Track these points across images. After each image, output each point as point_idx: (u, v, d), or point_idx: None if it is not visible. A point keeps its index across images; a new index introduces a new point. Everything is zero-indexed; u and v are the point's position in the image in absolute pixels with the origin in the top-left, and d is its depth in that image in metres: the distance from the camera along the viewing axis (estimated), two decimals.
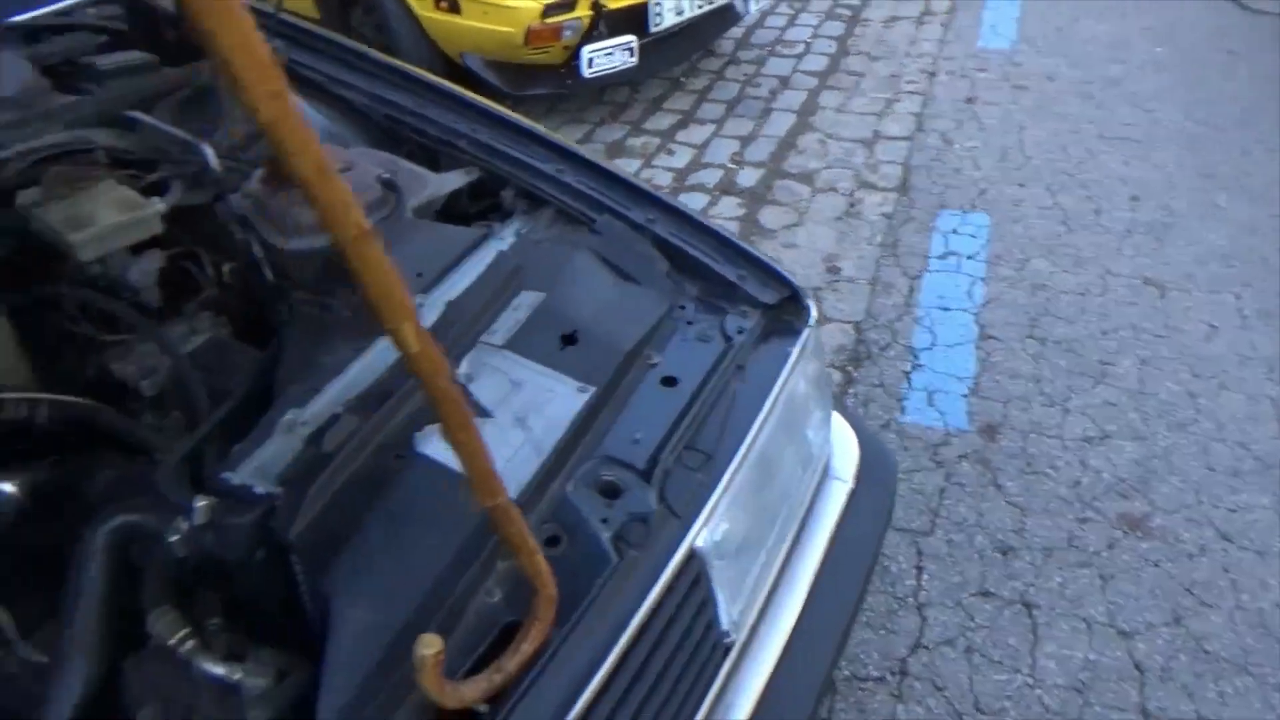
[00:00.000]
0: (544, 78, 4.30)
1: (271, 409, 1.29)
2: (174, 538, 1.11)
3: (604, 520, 1.18)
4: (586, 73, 4.21)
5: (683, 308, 1.52)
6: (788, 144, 4.43)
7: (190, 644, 1.07)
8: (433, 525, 1.13)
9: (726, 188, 4.08)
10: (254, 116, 0.59)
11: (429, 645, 0.93)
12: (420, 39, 4.30)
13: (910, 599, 2.28)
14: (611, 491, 1.22)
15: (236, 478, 1.13)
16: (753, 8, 4.88)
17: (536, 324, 1.40)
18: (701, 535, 1.21)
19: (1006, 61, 5.20)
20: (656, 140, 4.47)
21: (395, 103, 1.92)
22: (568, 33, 4.20)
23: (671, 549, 1.18)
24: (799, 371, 1.47)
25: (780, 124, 4.60)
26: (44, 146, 1.66)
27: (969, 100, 4.79)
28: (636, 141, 4.44)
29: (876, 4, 6.06)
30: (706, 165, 4.26)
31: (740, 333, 1.46)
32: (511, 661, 1.03)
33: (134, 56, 1.98)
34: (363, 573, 1.06)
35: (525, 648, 1.04)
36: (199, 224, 1.69)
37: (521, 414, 1.26)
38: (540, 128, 1.81)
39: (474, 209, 1.80)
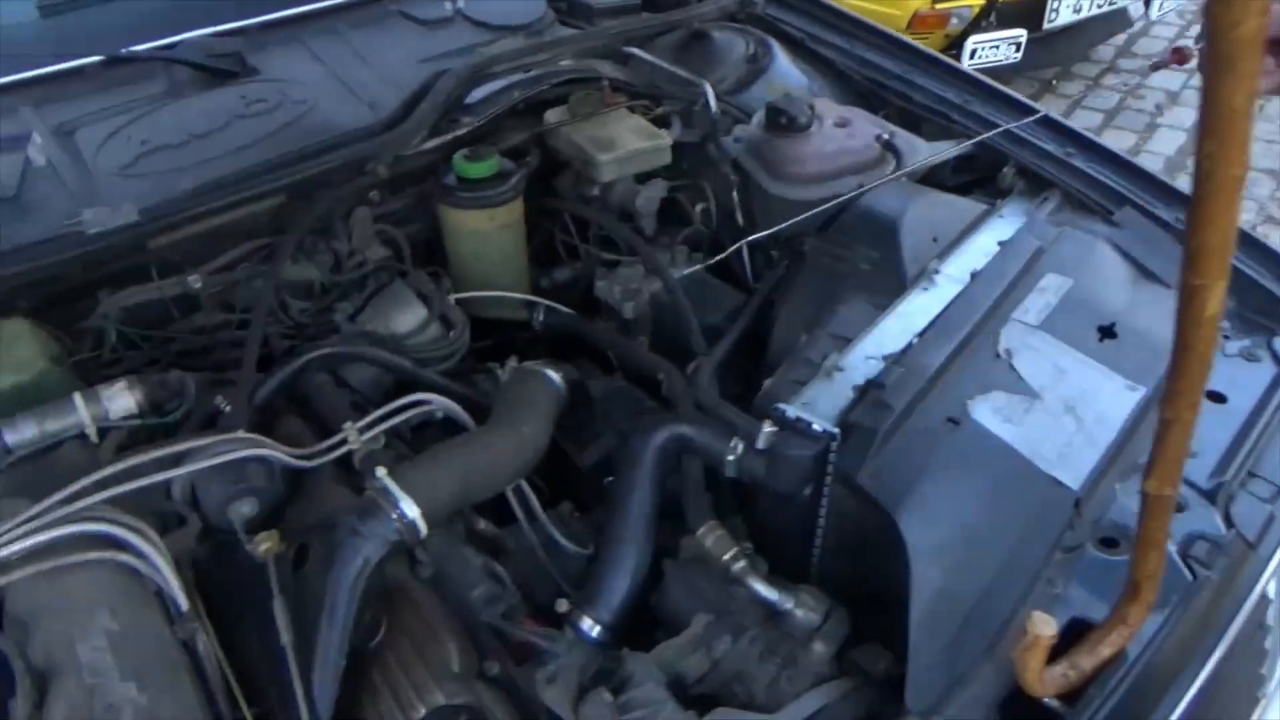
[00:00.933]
0: None
1: (801, 349, 1.29)
2: (730, 458, 1.13)
3: None
4: (966, 63, 4.01)
5: None
6: (1177, 165, 4.02)
7: (741, 563, 1.08)
8: (993, 497, 1.08)
9: None
10: (1232, 29, 0.54)
11: (1044, 626, 0.88)
12: None
13: None
14: None
15: (793, 411, 1.13)
16: (1154, 13, 4.46)
17: (1068, 310, 1.31)
18: (1275, 575, 1.09)
19: None
20: None
21: (879, 65, 1.88)
22: (954, 20, 4.03)
23: (1250, 582, 1.06)
24: None
25: (1168, 142, 4.20)
26: (561, 71, 1.76)
27: None
28: None
29: None
30: None
31: None
32: (1088, 661, 0.96)
33: None
34: (931, 532, 1.02)
35: (1104, 650, 0.96)
36: (686, 161, 1.74)
37: (1070, 403, 1.18)
38: (1042, 106, 1.71)
39: (954, 181, 1.73)
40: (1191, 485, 1.13)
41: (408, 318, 1.41)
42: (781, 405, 1.13)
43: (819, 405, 1.15)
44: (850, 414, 1.13)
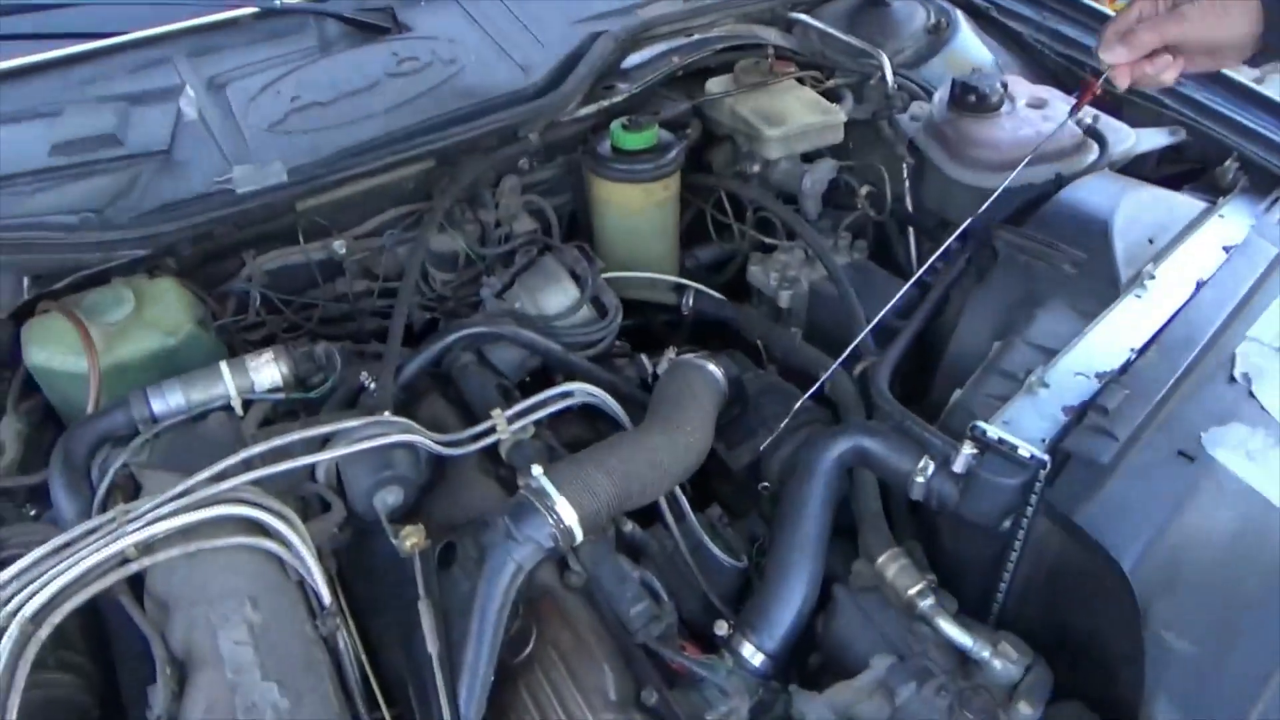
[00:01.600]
0: None
1: (996, 359, 1.15)
2: (919, 479, 1.01)
3: None
4: None
5: None
6: None
7: (929, 600, 0.96)
8: (1235, 550, 0.92)
9: None
10: None
11: None
12: None
13: None
14: None
15: (995, 431, 0.99)
16: None
17: None
18: None
19: None
20: None
21: (1073, 40, 1.69)
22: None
23: None
24: None
25: None
26: (723, 37, 1.64)
27: None
28: None
29: None
30: None
31: None
32: None
33: None
34: (1165, 586, 0.88)
35: None
36: (854, 139, 1.60)
37: None
38: (1274, 96, 1.50)
39: (1159, 174, 1.54)
40: None
41: (558, 297, 1.32)
42: (982, 424, 1.00)
43: (1022, 426, 1.01)
44: (1063, 439, 0.99)
